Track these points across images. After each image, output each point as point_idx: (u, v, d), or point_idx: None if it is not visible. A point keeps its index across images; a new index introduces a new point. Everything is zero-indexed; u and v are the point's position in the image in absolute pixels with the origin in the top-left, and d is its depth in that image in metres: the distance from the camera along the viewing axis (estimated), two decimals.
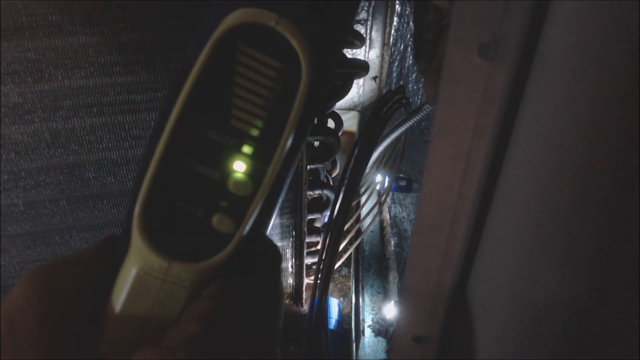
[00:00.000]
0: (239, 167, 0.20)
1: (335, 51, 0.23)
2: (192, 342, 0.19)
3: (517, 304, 0.29)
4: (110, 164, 0.43)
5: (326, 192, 0.61)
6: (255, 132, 0.20)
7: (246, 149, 0.20)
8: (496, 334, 0.32)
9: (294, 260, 0.62)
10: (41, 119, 0.40)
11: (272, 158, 0.20)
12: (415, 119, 0.54)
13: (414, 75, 0.92)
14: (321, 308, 0.55)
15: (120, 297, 0.21)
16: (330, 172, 0.68)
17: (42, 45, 0.37)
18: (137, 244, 0.20)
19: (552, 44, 0.26)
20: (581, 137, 0.23)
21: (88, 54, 0.38)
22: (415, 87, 0.92)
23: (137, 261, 0.21)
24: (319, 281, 0.54)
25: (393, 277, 0.85)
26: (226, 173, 0.20)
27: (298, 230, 0.58)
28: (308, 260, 0.64)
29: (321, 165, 0.60)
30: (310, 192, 0.60)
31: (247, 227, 0.21)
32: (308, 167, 0.57)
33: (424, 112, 0.52)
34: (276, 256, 0.24)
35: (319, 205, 0.63)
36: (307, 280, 0.67)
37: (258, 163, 0.20)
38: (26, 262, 0.47)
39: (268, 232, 0.23)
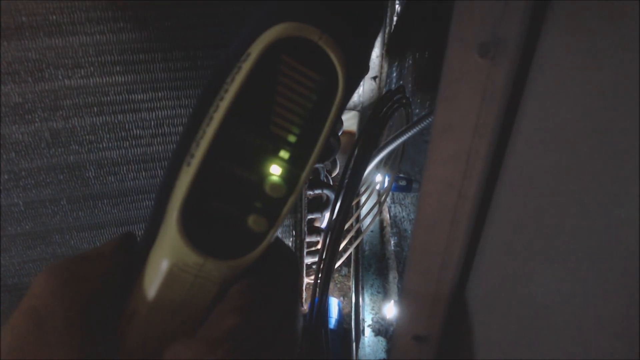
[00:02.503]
0: (275, 171, 0.22)
1: (365, 62, 0.24)
2: (234, 333, 0.20)
3: (517, 303, 0.29)
4: (110, 164, 0.43)
5: (326, 191, 0.61)
6: (292, 139, 0.21)
7: (283, 153, 0.21)
8: (496, 333, 0.32)
9: None
10: (41, 118, 0.40)
11: (306, 163, 0.22)
12: (419, 127, 0.54)
13: (414, 75, 0.92)
14: (321, 308, 0.55)
15: (150, 291, 0.22)
16: (330, 172, 0.68)
17: (43, 45, 0.37)
18: (174, 241, 0.21)
19: (552, 44, 0.26)
20: (581, 136, 0.23)
21: (88, 53, 0.38)
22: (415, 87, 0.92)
23: (172, 257, 0.21)
24: (319, 281, 0.54)
25: (393, 276, 0.85)
26: (263, 176, 0.21)
27: (298, 230, 0.58)
28: (308, 260, 0.64)
29: (321, 165, 0.60)
30: (310, 192, 0.60)
31: (279, 227, 0.22)
32: None
33: (428, 120, 0.52)
34: (291, 252, 0.25)
35: (319, 205, 0.63)
36: (307, 280, 0.67)
37: (293, 167, 0.22)
38: (26, 262, 0.47)
39: None
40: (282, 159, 0.21)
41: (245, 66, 0.20)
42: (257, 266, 0.22)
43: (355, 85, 0.23)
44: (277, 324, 0.21)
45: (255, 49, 0.20)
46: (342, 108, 0.22)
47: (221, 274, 0.22)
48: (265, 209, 0.22)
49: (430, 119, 0.51)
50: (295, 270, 0.25)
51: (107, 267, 0.22)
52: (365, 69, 0.24)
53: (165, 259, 0.21)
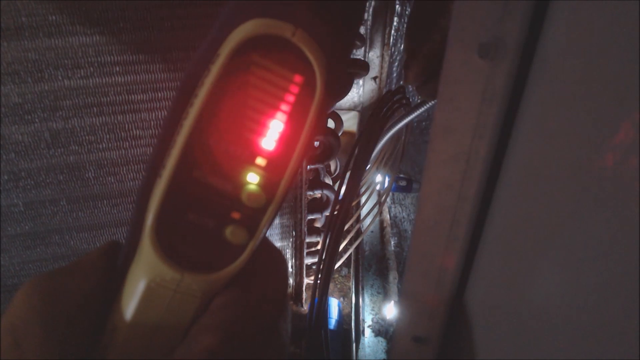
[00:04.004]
0: (253, 179, 0.20)
1: (345, 58, 0.23)
2: (212, 353, 0.19)
3: (516, 304, 0.29)
4: (110, 164, 0.43)
5: (326, 192, 0.61)
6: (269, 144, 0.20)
7: (260, 160, 0.20)
8: (496, 334, 0.32)
9: (294, 261, 0.62)
10: (41, 119, 0.40)
11: (285, 169, 0.20)
12: (415, 114, 0.54)
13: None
14: (321, 308, 0.55)
15: (129, 307, 0.21)
16: (330, 172, 0.68)
17: (42, 45, 0.37)
18: (149, 256, 0.20)
19: (552, 44, 0.26)
20: (581, 137, 0.23)
21: (88, 54, 0.38)
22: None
23: (148, 272, 0.20)
24: (319, 281, 0.54)
25: (393, 277, 0.85)
26: (239, 185, 0.20)
27: (298, 230, 0.58)
28: (308, 261, 0.64)
29: (321, 166, 0.60)
30: (310, 192, 0.60)
31: (260, 238, 0.21)
32: (308, 167, 0.57)
33: (425, 107, 0.52)
34: (281, 260, 0.24)
35: (319, 205, 0.63)
36: (307, 281, 0.67)
37: (271, 175, 0.20)
38: (26, 262, 0.47)
39: (267, 232, 0.23)
40: (259, 166, 0.20)
41: (214, 69, 0.19)
42: (243, 271, 0.21)
43: (337, 84, 0.21)
44: (259, 341, 0.21)
45: (224, 50, 0.19)
46: (324, 109, 0.20)
47: (201, 288, 0.21)
48: (243, 219, 0.20)
49: (426, 106, 0.51)
50: (283, 274, 0.24)
51: (89, 281, 0.21)
52: (346, 65, 0.22)
53: (143, 274, 0.20)
